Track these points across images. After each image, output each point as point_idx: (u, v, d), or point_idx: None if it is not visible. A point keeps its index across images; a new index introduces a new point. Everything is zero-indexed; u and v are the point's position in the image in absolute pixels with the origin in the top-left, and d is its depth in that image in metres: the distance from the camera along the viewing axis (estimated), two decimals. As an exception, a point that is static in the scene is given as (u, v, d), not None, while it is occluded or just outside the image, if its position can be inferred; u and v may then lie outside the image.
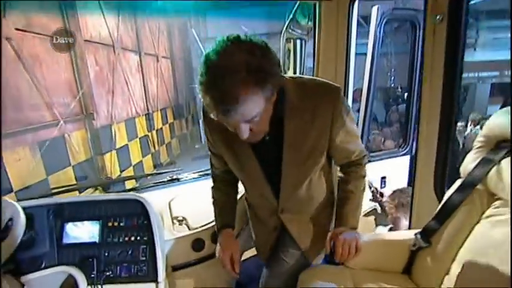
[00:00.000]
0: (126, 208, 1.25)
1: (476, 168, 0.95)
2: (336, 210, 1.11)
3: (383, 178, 1.99)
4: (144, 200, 1.23)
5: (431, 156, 1.28)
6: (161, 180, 1.73)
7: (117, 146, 5.72)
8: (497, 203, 0.91)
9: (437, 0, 1.14)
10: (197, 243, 1.37)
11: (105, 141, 5.34)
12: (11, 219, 1.03)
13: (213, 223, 1.23)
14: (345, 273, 1.11)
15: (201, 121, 1.07)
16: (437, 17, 1.13)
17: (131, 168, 6.19)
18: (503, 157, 0.88)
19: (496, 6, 7.10)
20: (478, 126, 4.99)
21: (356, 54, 1.77)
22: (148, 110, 7.14)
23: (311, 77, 1.08)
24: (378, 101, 8.17)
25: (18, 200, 1.20)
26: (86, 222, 1.23)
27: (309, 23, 2.21)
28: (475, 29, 8.35)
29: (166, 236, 1.32)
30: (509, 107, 0.93)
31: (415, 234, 1.07)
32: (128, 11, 6.12)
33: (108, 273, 1.18)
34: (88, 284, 1.14)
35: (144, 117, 6.93)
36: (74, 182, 4.48)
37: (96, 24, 5.21)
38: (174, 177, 1.73)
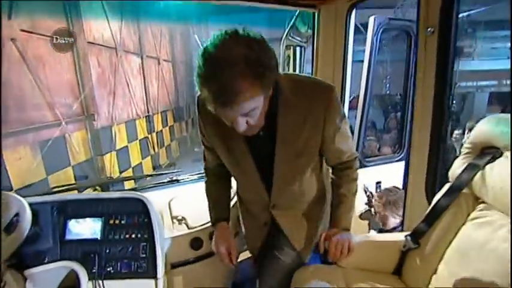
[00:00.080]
0: (128, 206, 1.29)
1: (463, 173, 1.00)
2: (330, 213, 1.14)
3: (378, 183, 2.03)
4: (145, 198, 1.28)
5: (422, 163, 1.33)
6: (161, 181, 1.77)
7: (117, 147, 5.75)
8: (481, 206, 0.96)
9: (428, 13, 1.20)
10: (196, 242, 1.41)
11: (105, 142, 5.37)
12: (17, 215, 1.07)
13: (212, 223, 1.27)
14: (337, 272, 1.15)
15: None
16: (429, 29, 1.19)
17: (130, 169, 6.22)
18: (488, 162, 0.93)
19: (494, 16, 7.21)
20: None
21: (354, 61, 1.84)
22: (148, 112, 7.19)
23: (305, 75, 1.13)
24: (377, 108, 8.26)
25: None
26: (88, 219, 1.27)
27: (309, 30, 2.27)
28: (474, 39, 8.48)
29: (166, 234, 1.35)
30: (494, 115, 0.98)
31: (405, 236, 1.12)
32: (131, 15, 6.19)
33: (109, 269, 1.21)
34: (89, 279, 1.18)
35: (144, 119, 6.97)
36: (73, 182, 4.50)
37: (99, 26, 5.28)
38: (174, 178, 1.77)
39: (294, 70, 2.40)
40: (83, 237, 1.25)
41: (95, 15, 5.09)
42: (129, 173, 6.07)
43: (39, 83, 3.85)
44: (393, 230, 1.74)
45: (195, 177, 1.76)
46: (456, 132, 5.12)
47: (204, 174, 1.23)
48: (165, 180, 1.77)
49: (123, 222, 1.27)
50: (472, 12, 7.08)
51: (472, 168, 0.97)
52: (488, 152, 0.95)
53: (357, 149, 1.97)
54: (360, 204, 2.04)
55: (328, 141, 0.99)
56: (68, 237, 1.25)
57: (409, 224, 1.43)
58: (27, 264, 1.17)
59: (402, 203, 1.57)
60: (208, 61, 0.72)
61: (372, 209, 1.92)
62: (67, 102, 4.51)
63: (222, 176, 1.18)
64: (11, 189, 3.41)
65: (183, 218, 1.45)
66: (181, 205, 1.56)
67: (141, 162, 6.69)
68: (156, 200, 1.35)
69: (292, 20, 2.51)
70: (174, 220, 1.45)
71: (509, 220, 0.86)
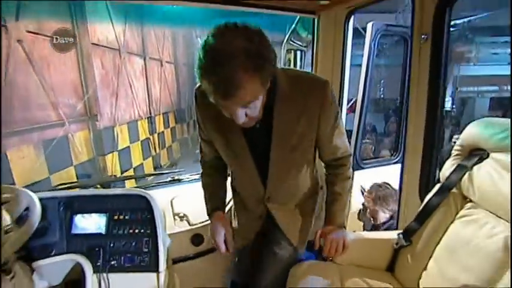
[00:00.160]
0: (132, 203, 1.34)
1: (452, 173, 1.05)
2: (325, 210, 1.17)
3: (375, 184, 2.07)
4: (148, 195, 1.33)
5: (416, 165, 1.37)
6: (163, 181, 1.83)
7: (119, 148, 5.80)
8: (468, 205, 1.01)
9: (422, 21, 1.25)
10: (196, 238, 1.45)
11: (107, 143, 5.42)
12: (27, 209, 1.12)
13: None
14: (332, 268, 1.20)
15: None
16: (423, 36, 1.24)
17: (132, 170, 6.27)
18: (475, 163, 0.98)
19: (495, 22, 7.25)
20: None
21: (355, 65, 1.89)
22: (150, 113, 7.24)
23: (302, 70, 1.17)
24: (377, 112, 8.32)
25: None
26: (93, 215, 1.32)
27: (309, 35, 2.33)
28: (474, 44, 8.53)
29: (168, 231, 1.40)
30: (483, 119, 1.03)
31: (398, 234, 1.17)
32: (135, 18, 6.27)
33: (113, 263, 1.26)
34: (94, 272, 1.23)
35: (146, 120, 7.03)
36: (75, 181, 4.54)
37: (103, 28, 5.36)
38: (176, 177, 1.82)
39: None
40: (89, 231, 1.30)
41: (99, 17, 5.16)
42: (130, 173, 6.11)
43: (44, 84, 3.92)
44: (383, 224, 1.78)
45: (196, 177, 1.81)
46: (455, 136, 5.17)
47: (203, 174, 1.24)
48: (167, 180, 1.82)
49: (127, 217, 1.32)
50: (472, 18, 7.14)
51: (460, 169, 1.02)
52: (476, 153, 1.00)
53: (354, 152, 2.03)
54: (357, 204, 2.09)
55: (324, 136, 1.01)
56: (74, 231, 1.29)
57: (404, 223, 1.48)
58: (35, 256, 1.22)
59: (392, 198, 1.63)
60: (209, 53, 0.73)
61: (364, 204, 1.97)
62: (71, 103, 4.58)
63: (218, 168, 1.19)
64: (14, 188, 3.46)
65: (185, 215, 1.50)
66: (182, 203, 1.60)
67: (142, 163, 6.74)
68: (158, 198, 1.40)
69: (293, 25, 2.58)
70: (176, 217, 1.50)
71: (496, 218, 0.91)
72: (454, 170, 1.04)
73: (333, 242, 1.11)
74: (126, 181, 2.32)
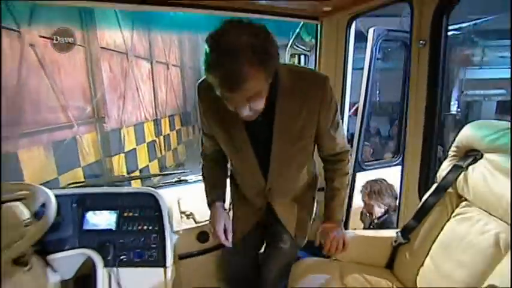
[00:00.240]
0: (141, 201, 1.40)
1: (448, 174, 1.09)
2: (325, 205, 1.20)
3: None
4: (156, 193, 1.39)
5: (416, 167, 1.41)
6: (169, 181, 1.88)
7: (126, 150, 5.89)
8: (463, 203, 1.05)
9: (420, 27, 1.30)
10: (202, 236, 1.51)
11: (114, 144, 5.51)
12: (43, 205, 1.18)
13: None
14: (333, 265, 1.25)
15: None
16: (421, 42, 1.29)
17: (138, 171, 6.35)
18: (470, 164, 1.03)
19: (502, 25, 7.21)
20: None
21: (358, 68, 1.93)
22: (156, 116, 7.34)
23: (302, 66, 1.20)
24: (382, 115, 8.32)
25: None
26: (104, 212, 1.39)
27: (312, 40, 2.39)
28: (481, 47, 8.50)
29: (175, 228, 1.46)
30: (478, 121, 1.08)
31: (396, 232, 1.21)
32: (142, 24, 6.39)
33: (122, 257, 1.32)
34: (104, 266, 1.29)
35: (152, 122, 7.13)
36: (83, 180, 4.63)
37: (111, 33, 5.48)
38: (182, 178, 1.87)
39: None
40: (100, 227, 1.36)
41: (108, 23, 5.28)
42: (136, 174, 6.20)
43: (54, 87, 4.03)
44: (379, 219, 1.82)
45: (201, 177, 1.86)
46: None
47: (203, 167, 1.27)
48: (173, 180, 1.88)
49: (136, 215, 1.39)
50: (479, 21, 7.13)
51: (456, 170, 1.06)
52: (471, 154, 1.04)
53: (356, 154, 2.07)
54: (360, 204, 2.12)
55: (323, 131, 1.04)
56: (86, 227, 1.36)
57: (403, 222, 1.51)
58: (49, 250, 1.28)
59: (387, 192, 1.67)
60: (217, 48, 0.75)
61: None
62: (80, 105, 4.68)
63: (218, 161, 1.22)
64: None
65: (191, 213, 1.55)
66: (189, 202, 1.66)
67: (148, 165, 6.82)
68: (166, 196, 1.46)
69: (297, 30, 2.64)
70: (182, 215, 1.55)
71: (489, 216, 0.95)
72: (450, 171, 1.08)
73: (334, 241, 1.12)
74: (132, 182, 2.37)
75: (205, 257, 1.52)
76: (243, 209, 1.24)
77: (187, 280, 1.51)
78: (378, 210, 1.81)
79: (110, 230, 1.36)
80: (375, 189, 1.82)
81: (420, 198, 1.42)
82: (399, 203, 1.51)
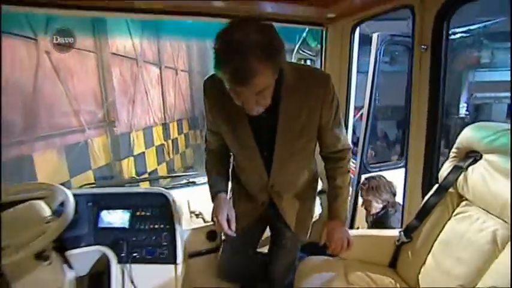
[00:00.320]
0: (153, 200, 1.47)
1: (449, 174, 1.12)
2: (328, 205, 1.22)
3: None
4: (168, 193, 1.45)
5: (419, 169, 1.43)
6: (178, 183, 1.95)
7: (135, 153, 6.00)
8: (463, 203, 1.08)
9: (422, 32, 1.34)
10: (211, 235, 1.56)
11: (123, 148, 5.63)
12: (62, 203, 1.25)
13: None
14: (338, 263, 1.29)
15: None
16: (422, 46, 1.33)
17: (146, 174, 6.46)
18: (470, 164, 1.06)
19: (513, 27, 7.11)
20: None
21: (364, 72, 1.97)
22: (165, 120, 7.46)
23: (305, 64, 1.22)
24: (390, 119, 8.29)
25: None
26: (118, 211, 1.46)
27: (318, 45, 2.45)
28: (490, 49, 8.41)
29: (185, 227, 1.52)
30: (477, 123, 1.11)
31: (399, 231, 1.24)
32: (152, 31, 6.54)
33: (135, 254, 1.38)
34: (118, 263, 1.35)
35: (161, 126, 7.24)
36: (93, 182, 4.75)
37: (122, 39, 5.63)
38: (191, 180, 1.94)
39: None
40: (114, 225, 1.43)
41: (119, 31, 5.44)
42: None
43: (67, 92, 4.16)
44: (377, 215, 1.84)
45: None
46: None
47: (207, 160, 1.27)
48: (182, 182, 1.94)
49: (148, 214, 1.45)
50: (488, 23, 7.07)
51: (457, 170, 1.10)
52: (471, 155, 1.08)
53: (361, 156, 2.11)
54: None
55: (325, 127, 1.07)
56: (101, 225, 1.43)
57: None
58: (67, 246, 1.35)
59: (385, 188, 1.69)
60: (227, 44, 0.79)
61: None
62: (91, 110, 4.82)
63: (222, 156, 1.24)
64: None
65: (200, 213, 1.61)
66: (198, 202, 1.71)
67: (156, 168, 6.93)
68: (176, 197, 1.52)
69: (303, 35, 2.70)
70: (192, 215, 1.61)
71: (487, 214, 0.98)
72: (451, 171, 1.12)
73: (339, 241, 1.15)
74: (140, 185, 2.43)
75: (214, 255, 1.57)
76: (244, 204, 1.25)
77: (197, 277, 1.56)
78: (376, 206, 1.83)
79: (124, 228, 1.42)
80: (373, 185, 1.84)
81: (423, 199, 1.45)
82: (403, 204, 1.54)
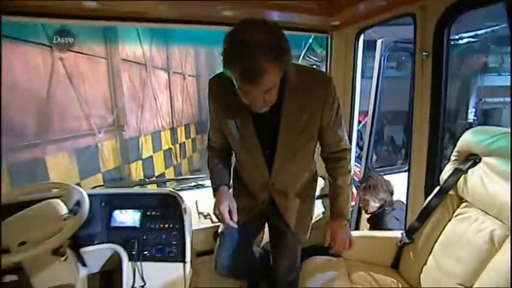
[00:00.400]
0: (163, 201, 1.52)
1: (450, 177, 1.16)
2: (330, 205, 1.24)
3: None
4: (177, 194, 1.51)
5: (422, 173, 1.46)
6: (187, 185, 2.01)
7: (143, 157, 6.11)
8: (463, 204, 1.11)
9: (424, 39, 1.38)
10: (218, 234, 1.61)
11: (132, 152, 5.74)
12: (78, 203, 1.31)
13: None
14: (341, 263, 1.32)
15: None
16: (424, 53, 1.37)
17: (154, 178, 6.55)
18: (469, 167, 1.09)
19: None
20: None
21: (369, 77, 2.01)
22: (173, 124, 7.58)
23: (307, 66, 1.25)
24: (397, 124, 8.26)
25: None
26: (129, 210, 1.52)
27: (323, 51, 2.50)
28: (500, 54, 8.33)
29: (193, 226, 1.57)
30: (477, 127, 1.15)
31: (401, 232, 1.27)
32: (161, 38, 6.69)
33: (145, 253, 1.44)
34: (129, 260, 1.41)
35: (169, 131, 7.36)
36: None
37: (132, 46, 5.78)
38: (199, 183, 2.00)
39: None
40: (125, 225, 1.49)
41: (129, 38, 5.58)
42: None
43: (79, 97, 4.29)
44: (373, 213, 1.85)
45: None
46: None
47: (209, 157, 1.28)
48: (191, 185, 2.00)
49: (158, 214, 1.51)
50: (496, 27, 7.04)
51: (457, 173, 1.13)
52: (470, 158, 1.11)
53: (366, 160, 2.14)
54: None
55: (327, 127, 1.09)
56: (113, 224, 1.49)
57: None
58: (81, 243, 1.41)
59: (382, 187, 1.72)
60: (236, 45, 0.82)
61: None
62: (101, 114, 4.94)
63: (224, 152, 1.26)
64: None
65: (208, 214, 1.66)
66: (206, 204, 1.77)
67: (164, 172, 7.03)
68: (184, 198, 1.58)
69: (309, 42, 2.77)
70: (200, 215, 1.67)
71: (486, 215, 1.01)
72: (452, 174, 1.15)
73: (341, 241, 1.17)
74: (148, 187, 2.49)
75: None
76: (244, 202, 1.25)
77: (204, 275, 1.61)
78: (373, 205, 1.85)
79: (135, 227, 1.48)
80: (370, 184, 1.86)
81: (425, 201, 1.48)
82: (406, 206, 1.57)
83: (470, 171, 1.09)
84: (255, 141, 1.09)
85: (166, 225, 1.48)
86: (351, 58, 1.91)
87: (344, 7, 1.57)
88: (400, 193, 1.95)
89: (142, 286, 1.36)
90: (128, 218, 1.51)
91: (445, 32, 1.32)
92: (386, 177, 2.26)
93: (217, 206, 1.15)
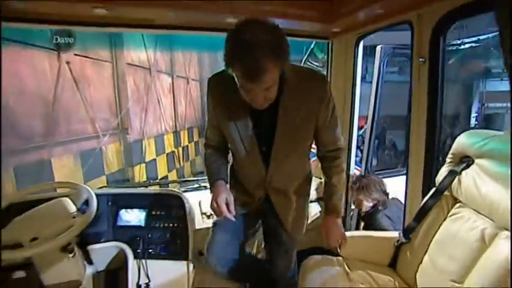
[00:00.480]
0: (167, 201, 1.58)
1: (445, 178, 1.20)
2: (325, 203, 1.29)
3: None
4: (181, 194, 1.56)
5: (419, 176, 1.50)
6: (191, 187, 2.06)
7: (146, 160, 6.17)
8: (457, 204, 1.16)
9: (420, 45, 1.43)
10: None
11: (135, 155, 5.80)
12: (86, 202, 1.36)
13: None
14: (340, 262, 1.36)
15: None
16: (420, 59, 1.42)
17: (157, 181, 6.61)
18: (463, 169, 1.13)
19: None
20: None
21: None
22: (176, 128, 7.64)
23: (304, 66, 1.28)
24: (399, 129, 8.27)
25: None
26: (135, 210, 1.57)
27: (325, 56, 2.56)
28: (502, 60, 8.32)
29: (196, 226, 1.61)
30: (471, 130, 1.19)
31: (399, 232, 1.31)
32: (165, 43, 6.80)
33: (150, 251, 1.49)
34: (134, 258, 1.46)
35: (172, 134, 7.42)
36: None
37: (136, 51, 5.88)
38: (202, 185, 2.04)
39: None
40: (131, 224, 1.55)
41: (134, 43, 5.68)
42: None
43: (84, 100, 4.37)
44: (367, 213, 1.89)
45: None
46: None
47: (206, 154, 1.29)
48: (194, 186, 2.05)
49: (163, 213, 1.56)
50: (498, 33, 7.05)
51: (452, 174, 1.17)
52: (464, 160, 1.15)
53: (366, 163, 2.18)
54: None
55: (322, 126, 1.12)
56: (119, 223, 1.55)
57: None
58: (88, 241, 1.46)
59: (374, 187, 1.76)
60: (238, 44, 0.85)
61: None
62: (106, 118, 5.02)
63: (221, 149, 1.27)
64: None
65: (211, 214, 1.70)
66: (208, 204, 1.81)
67: (167, 175, 7.08)
68: (189, 199, 1.63)
69: (310, 47, 2.83)
70: (203, 215, 1.71)
71: (478, 215, 1.05)
72: (447, 175, 1.19)
73: (334, 236, 1.25)
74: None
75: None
76: (241, 198, 1.27)
77: (205, 274, 1.64)
78: (366, 205, 1.87)
79: (140, 226, 1.53)
80: (363, 185, 1.88)
81: (422, 202, 1.51)
82: (404, 207, 1.61)
83: (464, 172, 1.13)
84: (252, 138, 1.12)
85: (171, 224, 1.53)
86: (351, 63, 1.96)
87: (344, 15, 1.63)
88: (396, 193, 1.99)
89: (147, 283, 1.40)
90: (133, 217, 1.56)
91: (440, 39, 1.37)
92: (385, 179, 2.30)
93: (214, 198, 1.14)
